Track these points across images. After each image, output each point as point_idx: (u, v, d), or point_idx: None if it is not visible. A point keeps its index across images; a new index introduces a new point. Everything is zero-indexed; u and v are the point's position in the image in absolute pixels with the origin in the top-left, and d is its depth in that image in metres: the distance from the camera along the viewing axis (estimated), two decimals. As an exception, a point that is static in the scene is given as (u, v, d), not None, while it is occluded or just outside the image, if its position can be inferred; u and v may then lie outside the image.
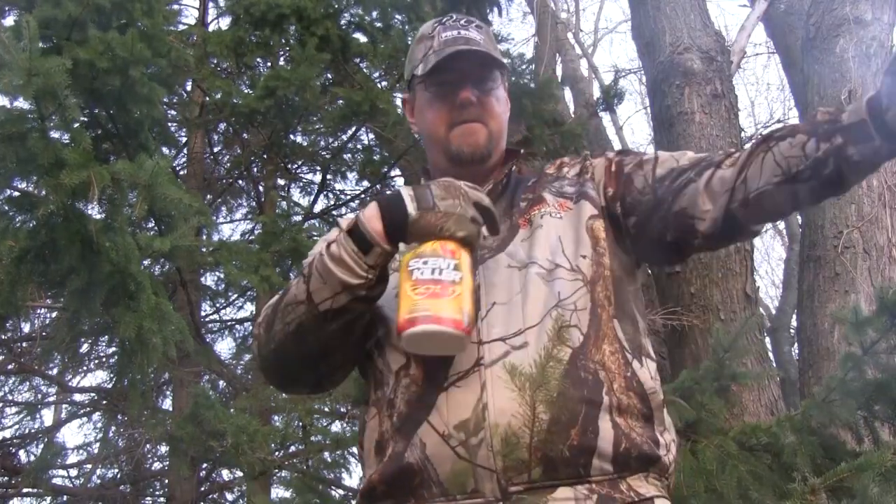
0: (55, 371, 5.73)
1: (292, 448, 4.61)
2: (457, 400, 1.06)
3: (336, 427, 4.77)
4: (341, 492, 4.11)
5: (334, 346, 1.16)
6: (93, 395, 5.59)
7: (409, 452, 1.07)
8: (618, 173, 1.26)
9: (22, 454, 5.30)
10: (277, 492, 4.09)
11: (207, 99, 4.93)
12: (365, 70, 5.10)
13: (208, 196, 5.63)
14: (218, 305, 6.22)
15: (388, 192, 1.11)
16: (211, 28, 5.41)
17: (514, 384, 1.05)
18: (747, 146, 1.16)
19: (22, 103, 2.54)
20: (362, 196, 5.25)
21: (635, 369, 1.13)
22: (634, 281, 1.26)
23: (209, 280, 5.72)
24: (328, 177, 5.25)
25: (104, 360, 5.64)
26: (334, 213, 5.65)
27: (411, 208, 1.05)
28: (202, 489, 5.27)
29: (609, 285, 1.17)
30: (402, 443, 1.08)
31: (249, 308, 6.19)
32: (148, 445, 5.29)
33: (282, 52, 4.97)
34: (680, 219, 1.18)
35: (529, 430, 1.03)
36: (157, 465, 5.97)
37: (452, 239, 1.05)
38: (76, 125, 2.44)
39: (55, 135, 2.40)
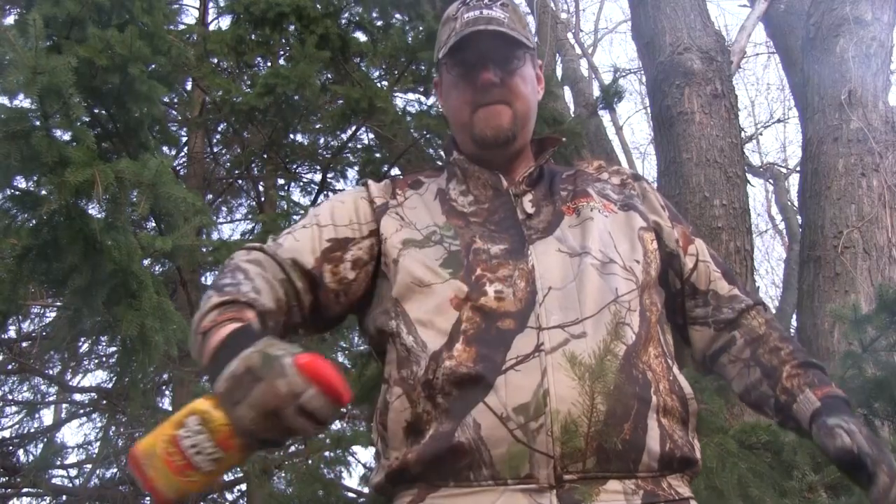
0: (55, 371, 5.73)
1: (293, 448, 4.62)
2: (516, 383, 1.04)
3: (336, 426, 4.78)
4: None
5: None
6: (93, 394, 5.59)
7: (459, 432, 1.04)
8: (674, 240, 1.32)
9: (21, 454, 5.30)
10: (280, 487, 4.09)
11: (207, 98, 4.94)
12: (364, 69, 5.11)
13: (208, 196, 5.64)
14: (218, 305, 6.21)
15: (231, 347, 0.99)
16: (211, 27, 5.41)
17: (574, 373, 1.05)
18: (749, 328, 1.29)
19: (24, 101, 2.55)
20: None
21: (676, 374, 1.15)
22: (663, 292, 1.29)
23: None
24: (328, 176, 5.25)
25: (104, 359, 5.65)
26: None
27: (220, 387, 0.95)
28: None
29: (654, 294, 1.20)
30: (449, 423, 1.06)
31: (249, 308, 6.18)
32: (148, 445, 5.29)
33: (282, 52, 4.98)
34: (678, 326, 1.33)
35: (588, 420, 1.03)
36: (156, 465, 5.96)
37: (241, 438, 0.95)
38: (79, 124, 2.44)
39: (57, 133, 2.40)
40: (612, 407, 1.04)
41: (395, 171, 5.15)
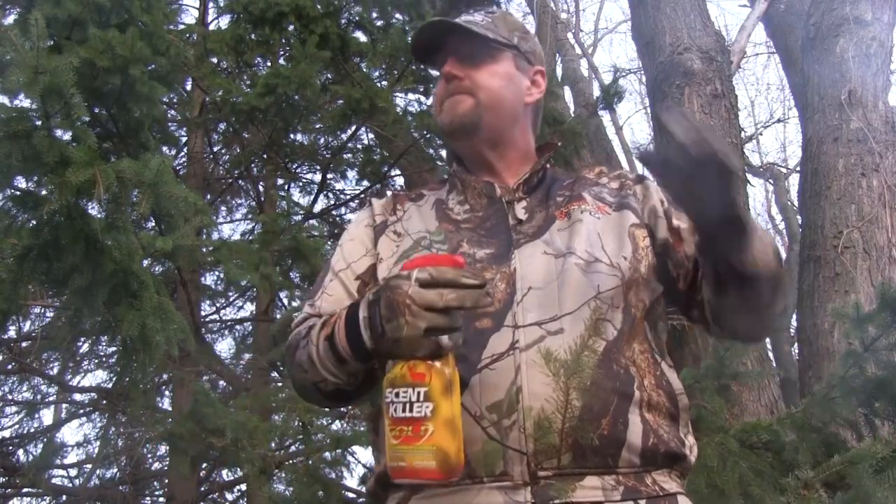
0: (55, 371, 5.73)
1: (293, 448, 4.62)
2: (491, 382, 1.06)
3: (336, 426, 4.78)
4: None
5: (339, 396, 1.19)
6: (93, 394, 5.59)
7: None
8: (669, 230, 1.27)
9: (21, 454, 5.30)
10: (279, 488, 4.09)
11: (207, 98, 4.93)
12: (364, 69, 5.10)
13: (208, 196, 5.64)
14: (218, 305, 6.23)
15: (353, 311, 1.08)
16: (211, 27, 5.41)
17: (549, 369, 1.05)
18: None
19: (24, 101, 2.54)
20: (362, 196, 5.26)
21: (664, 369, 1.15)
22: (658, 288, 1.26)
23: (209, 280, 5.74)
24: (328, 176, 5.25)
25: (104, 359, 5.65)
26: (334, 212, 5.66)
27: (366, 338, 1.03)
28: (202, 489, 5.27)
29: (642, 290, 1.18)
30: None
31: (249, 308, 6.21)
32: (148, 445, 5.30)
33: (282, 52, 4.98)
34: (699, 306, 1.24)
35: (562, 416, 1.03)
36: (156, 465, 5.98)
37: (415, 360, 0.99)
38: (79, 124, 2.44)
39: (58, 133, 2.40)
40: (589, 402, 1.04)
41: (395, 172, 5.16)
